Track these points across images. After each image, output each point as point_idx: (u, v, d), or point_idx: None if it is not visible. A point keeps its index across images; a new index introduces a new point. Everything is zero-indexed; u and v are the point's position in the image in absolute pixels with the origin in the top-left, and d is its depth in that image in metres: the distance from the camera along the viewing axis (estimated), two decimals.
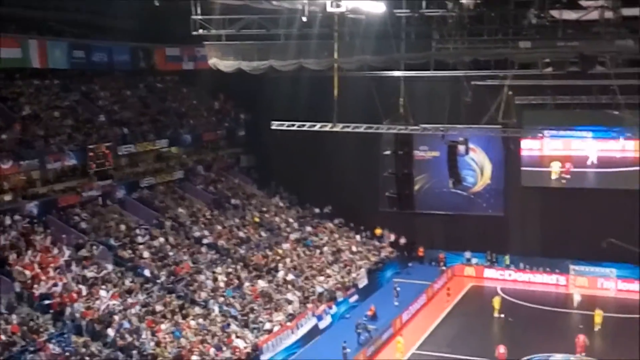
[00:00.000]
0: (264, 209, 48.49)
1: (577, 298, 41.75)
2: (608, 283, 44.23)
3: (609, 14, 24.32)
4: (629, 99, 39.88)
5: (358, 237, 49.46)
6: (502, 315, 39.21)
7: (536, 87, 42.32)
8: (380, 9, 26.76)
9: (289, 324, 35.60)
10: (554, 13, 24.63)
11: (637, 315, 39.62)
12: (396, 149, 35.32)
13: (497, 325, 38.31)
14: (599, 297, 42.76)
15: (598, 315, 37.35)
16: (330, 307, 39.10)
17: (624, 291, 43.84)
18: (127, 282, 34.59)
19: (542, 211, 47.38)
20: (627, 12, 24.50)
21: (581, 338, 33.59)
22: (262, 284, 38.89)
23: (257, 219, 46.42)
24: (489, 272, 47.48)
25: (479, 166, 48.97)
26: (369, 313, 38.95)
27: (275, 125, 34.46)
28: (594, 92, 41.55)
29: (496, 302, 39.63)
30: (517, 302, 42.14)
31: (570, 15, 25.05)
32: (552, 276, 45.94)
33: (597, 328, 36.87)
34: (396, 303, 41.18)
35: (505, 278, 46.78)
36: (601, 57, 29.72)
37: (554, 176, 47.16)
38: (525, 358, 33.48)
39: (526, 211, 48.03)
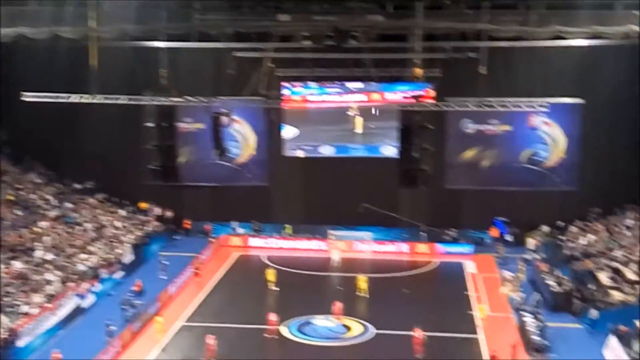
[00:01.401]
0: (19, 186, 45.62)
1: (335, 257, 43.94)
2: (364, 246, 47.03)
3: None
4: (381, 71, 42.55)
5: (122, 211, 48.22)
6: (277, 288, 39.25)
7: (296, 60, 43.64)
8: None
9: (48, 305, 33.94)
10: None
11: (391, 274, 42.78)
12: (159, 120, 34.85)
13: (264, 292, 39.10)
14: (357, 259, 45.46)
15: (362, 281, 38.66)
16: (93, 285, 37.82)
17: (379, 252, 46.94)
18: None
19: (304, 180, 49.01)
20: None
21: (337, 305, 34.96)
22: (18, 265, 36.65)
23: (11, 197, 43.55)
24: (254, 241, 48.53)
25: (243, 137, 49.62)
26: (135, 288, 38.25)
27: (27, 96, 32.53)
28: (349, 65, 43.71)
29: (270, 275, 39.75)
30: (282, 269, 43.47)
31: None
32: (313, 242, 47.94)
33: (362, 294, 38.24)
34: (164, 277, 40.81)
35: (271, 246, 48.09)
36: (354, 31, 31.32)
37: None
38: (288, 321, 34.64)
39: (289, 180, 49.44)
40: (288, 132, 48.78)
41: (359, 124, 47.64)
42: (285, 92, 45.31)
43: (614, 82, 44.16)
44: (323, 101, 45.67)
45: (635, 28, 37.58)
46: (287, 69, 45.01)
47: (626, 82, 44.06)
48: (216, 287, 40.58)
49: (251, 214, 49.53)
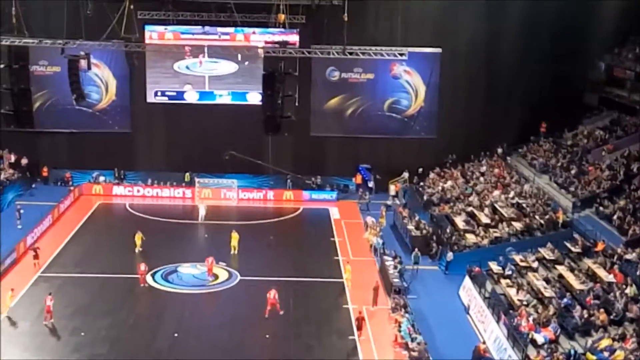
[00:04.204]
0: None
1: (202, 212, 42.95)
2: (230, 193, 46.83)
3: None
4: (244, 17, 42.04)
5: None
6: (141, 249, 36.95)
7: (158, 2, 42.37)
8: None
9: None
10: None
11: (257, 222, 42.92)
12: (10, 62, 33.08)
13: (126, 241, 37.89)
14: (223, 207, 45.23)
15: (234, 239, 37.45)
16: None
17: (244, 200, 46.90)
18: None
19: (168, 127, 48.22)
20: None
21: (210, 260, 34.39)
22: None
23: None
24: (117, 190, 47.27)
25: (103, 82, 47.75)
26: None
27: None
28: (213, 9, 42.88)
29: (138, 239, 37.14)
30: (147, 217, 42.76)
31: None
32: (179, 190, 47.26)
33: (234, 251, 37.07)
34: (19, 226, 39.15)
35: (134, 194, 47.01)
36: None
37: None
38: (156, 269, 34.20)
39: (152, 127, 48.45)
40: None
41: None
42: None
43: (471, 32, 45.66)
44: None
45: None
46: (149, 11, 43.72)
47: (482, 32, 45.70)
48: (76, 237, 39.28)
49: (113, 162, 48.14)
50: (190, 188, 46.95)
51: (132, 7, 36.35)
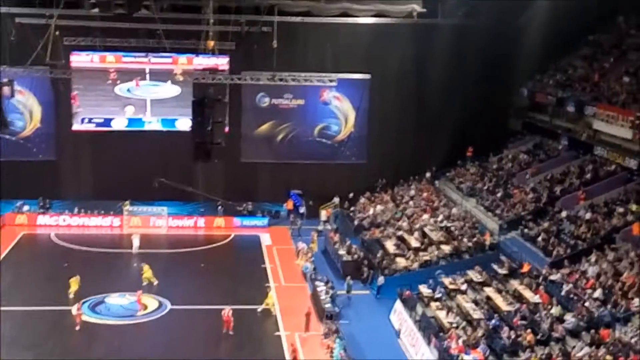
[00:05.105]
0: None
1: (135, 243, 41.84)
2: (160, 221, 46.13)
3: None
4: (174, 43, 41.87)
5: None
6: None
7: (84, 28, 41.86)
8: None
9: None
10: None
11: (188, 249, 42.43)
12: None
13: (52, 272, 37.07)
14: (152, 235, 44.43)
15: (147, 271, 36.45)
16: None
17: (174, 227, 46.29)
18: None
19: (95, 154, 47.20)
20: None
21: (138, 293, 33.85)
22: None
23: None
24: (42, 219, 46.04)
25: (27, 109, 46.60)
26: None
27: None
28: (141, 36, 42.56)
29: (74, 283, 34.64)
30: (73, 247, 41.76)
31: None
32: (107, 219, 46.30)
33: (146, 282, 35.87)
34: None
35: (60, 224, 45.81)
36: (146, 0, 30.47)
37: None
38: (83, 300, 33.30)
39: (79, 155, 47.39)
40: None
41: None
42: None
43: (399, 59, 46.40)
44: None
45: (417, 7, 39.84)
46: (75, 37, 43.03)
47: (410, 59, 46.52)
48: None
49: (38, 191, 46.74)
50: (119, 216, 46.07)
51: (57, 33, 35.80)
